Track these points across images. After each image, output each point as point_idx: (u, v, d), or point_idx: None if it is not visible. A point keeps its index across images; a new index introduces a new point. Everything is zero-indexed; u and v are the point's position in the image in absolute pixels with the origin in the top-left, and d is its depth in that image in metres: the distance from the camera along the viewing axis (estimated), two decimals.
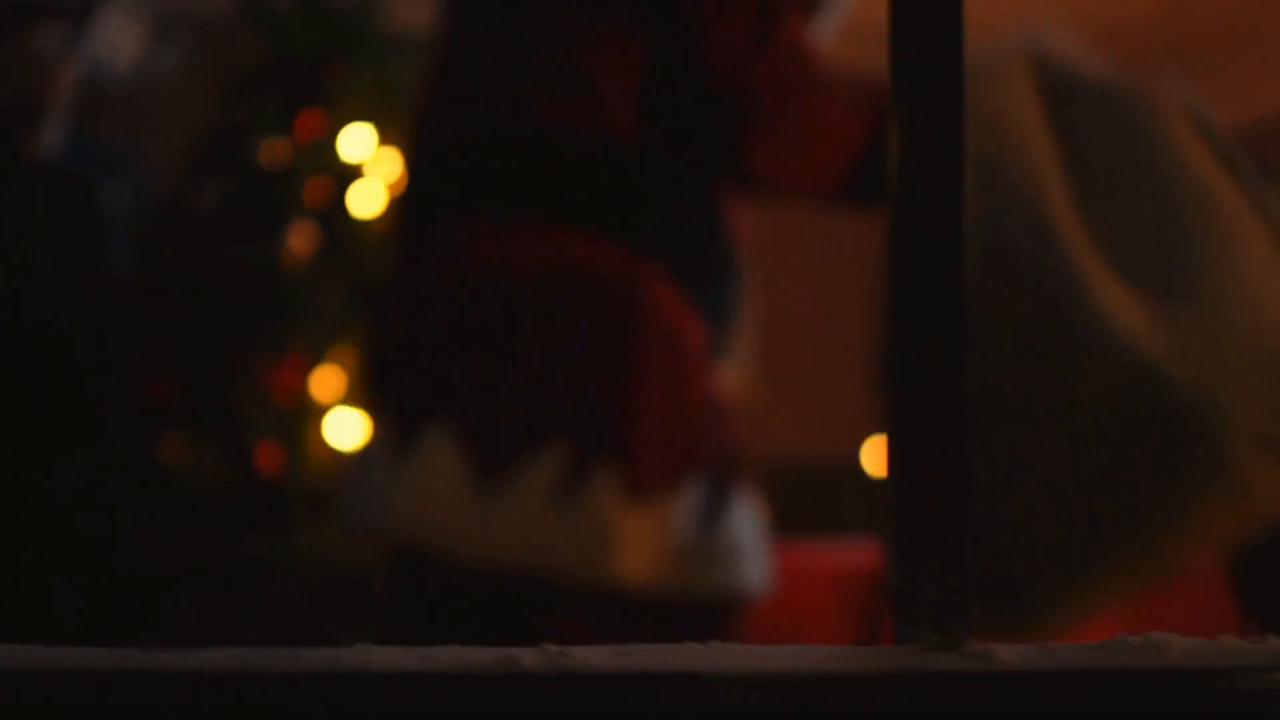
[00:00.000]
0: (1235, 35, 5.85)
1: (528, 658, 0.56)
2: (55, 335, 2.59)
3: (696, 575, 1.56)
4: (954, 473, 0.60)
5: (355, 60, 3.27)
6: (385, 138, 3.26)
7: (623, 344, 1.55)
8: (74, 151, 2.88)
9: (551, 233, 1.59)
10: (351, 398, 3.07)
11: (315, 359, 3.08)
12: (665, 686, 0.56)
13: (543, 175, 1.62)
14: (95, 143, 3.62)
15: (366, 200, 3.22)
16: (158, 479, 3.01)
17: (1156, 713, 0.57)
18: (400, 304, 1.71)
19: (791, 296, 5.71)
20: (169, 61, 4.11)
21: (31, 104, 2.59)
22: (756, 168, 1.67)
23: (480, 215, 1.63)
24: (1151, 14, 5.66)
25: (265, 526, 3.02)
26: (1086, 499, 1.36)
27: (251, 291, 3.10)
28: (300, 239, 3.19)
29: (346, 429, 3.05)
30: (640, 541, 1.51)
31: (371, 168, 3.25)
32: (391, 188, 3.24)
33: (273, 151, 3.22)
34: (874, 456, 4.59)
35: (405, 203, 1.79)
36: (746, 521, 1.62)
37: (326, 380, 3.10)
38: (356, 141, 3.24)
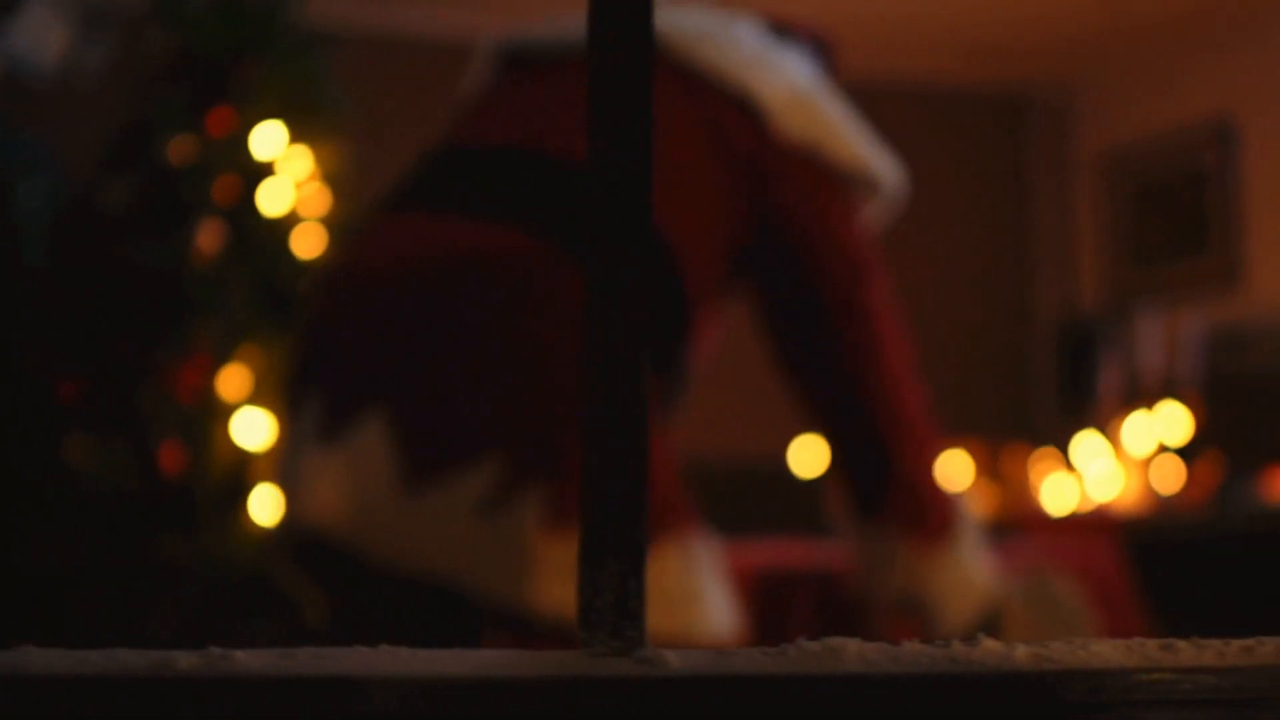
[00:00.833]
0: (1169, 40, 5.88)
1: (184, 660, 0.55)
2: None
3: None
4: (634, 480, 0.60)
5: (267, 56, 3.25)
6: (297, 135, 3.24)
7: (571, 370, 1.51)
8: None
9: (524, 241, 1.58)
10: (258, 397, 3.04)
11: (222, 358, 3.06)
12: (320, 691, 0.55)
13: (553, 200, 1.62)
14: (14, 138, 3.59)
15: (276, 198, 3.20)
16: (62, 479, 2.99)
17: (828, 718, 0.57)
18: (340, 291, 1.69)
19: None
20: (97, 58, 4.08)
21: None
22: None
23: (455, 213, 1.62)
24: (1086, 19, 5.69)
25: (171, 527, 2.99)
26: None
27: (158, 290, 3.08)
28: (208, 237, 3.17)
29: (253, 429, 3.03)
30: (562, 570, 1.47)
31: (282, 165, 3.23)
32: (301, 185, 3.22)
33: (182, 148, 3.19)
34: (801, 456, 4.60)
35: (375, 207, 1.79)
36: (684, 566, 1.56)
37: (233, 380, 3.07)
38: (268, 139, 3.22)
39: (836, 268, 1.70)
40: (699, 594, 1.56)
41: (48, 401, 2.99)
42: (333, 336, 1.64)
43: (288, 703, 0.55)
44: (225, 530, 3.00)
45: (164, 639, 2.80)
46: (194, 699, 0.55)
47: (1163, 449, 4.50)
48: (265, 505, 2.97)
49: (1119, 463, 4.56)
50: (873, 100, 6.29)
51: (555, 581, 1.47)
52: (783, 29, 1.80)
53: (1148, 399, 4.76)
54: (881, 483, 1.73)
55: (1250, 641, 0.59)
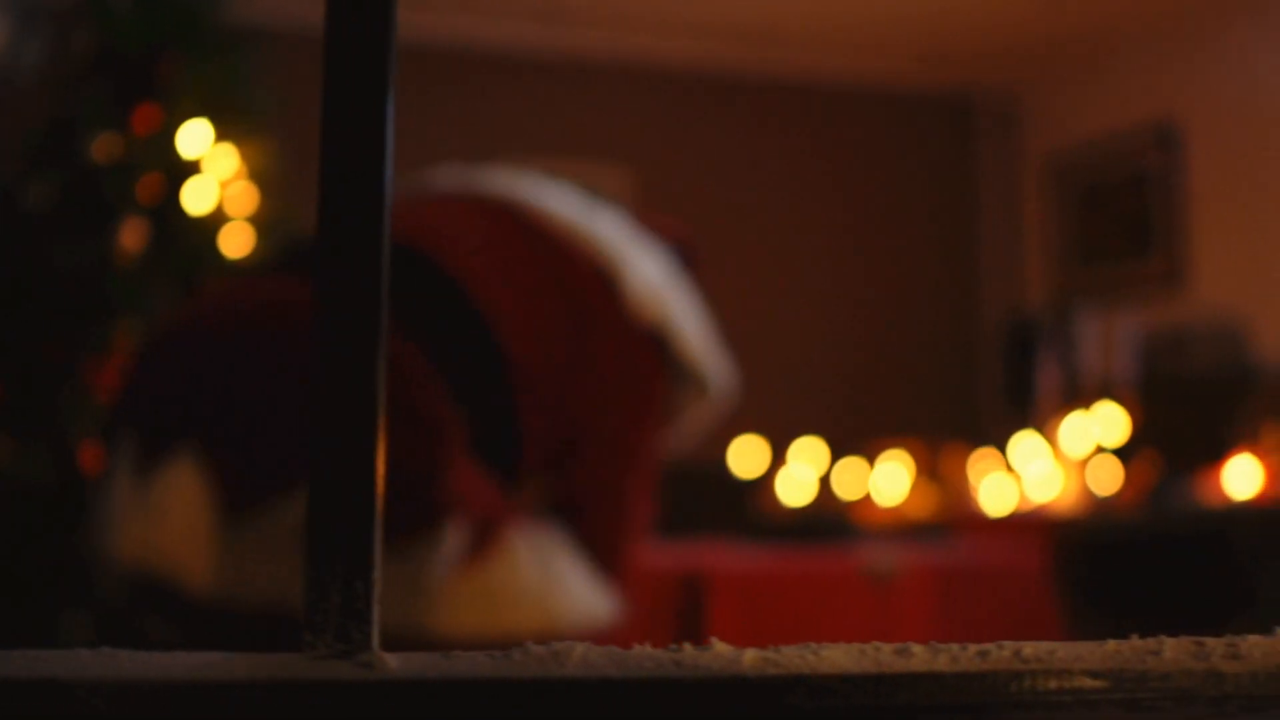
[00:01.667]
0: (1113, 45, 5.91)
1: None
2: None
3: (455, 619, 1.54)
4: (363, 478, 0.59)
5: (192, 54, 3.22)
6: (222, 133, 3.22)
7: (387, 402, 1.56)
8: None
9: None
10: None
11: None
12: (27, 694, 0.54)
13: (408, 287, 1.68)
14: None
15: (200, 196, 3.17)
16: None
17: None
18: (158, 340, 1.73)
19: None
20: (34, 54, 4.04)
21: None
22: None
23: (281, 273, 1.68)
24: (1033, 24, 5.70)
25: (90, 527, 2.96)
26: None
27: (80, 288, 3.05)
28: (132, 235, 3.14)
29: None
30: (396, 589, 1.49)
31: (208, 163, 3.21)
32: (226, 184, 3.20)
33: (106, 146, 3.17)
34: (740, 458, 4.60)
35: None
36: (532, 566, 1.60)
37: None
38: (193, 137, 3.20)
39: (634, 413, 1.82)
40: (548, 587, 1.59)
41: None
42: (147, 380, 1.68)
43: None
44: None
45: (80, 638, 2.78)
46: None
47: (1100, 450, 4.52)
48: None
49: (1057, 463, 4.57)
50: (823, 101, 6.35)
51: (399, 594, 1.49)
52: (647, 225, 1.94)
53: (1085, 400, 4.78)
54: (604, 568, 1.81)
55: (990, 646, 0.59)
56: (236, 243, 3.26)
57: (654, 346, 1.83)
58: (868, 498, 4.68)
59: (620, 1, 5.57)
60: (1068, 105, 6.25)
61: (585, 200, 1.90)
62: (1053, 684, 0.57)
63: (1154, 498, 4.30)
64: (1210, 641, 0.61)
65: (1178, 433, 4.59)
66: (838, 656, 0.58)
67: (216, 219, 3.21)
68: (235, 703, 0.55)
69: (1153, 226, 5.78)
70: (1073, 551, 3.73)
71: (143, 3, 3.21)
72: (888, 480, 4.73)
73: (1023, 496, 4.54)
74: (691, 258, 2.03)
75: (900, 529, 4.25)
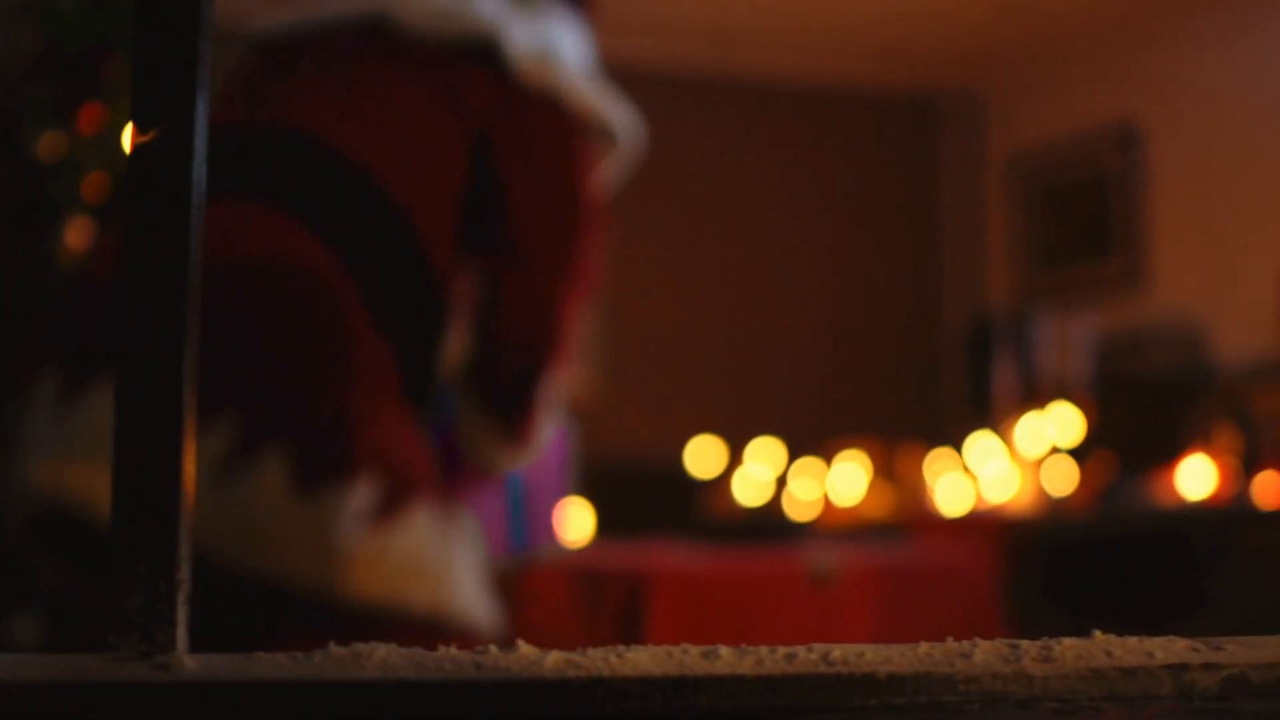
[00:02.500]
0: (1074, 47, 5.93)
1: None
2: None
3: (361, 581, 1.50)
4: (168, 480, 0.58)
5: None
6: None
7: (313, 336, 1.52)
8: None
9: (272, 221, 1.57)
10: None
11: None
12: None
13: (301, 175, 1.62)
14: None
15: None
16: None
17: None
18: (84, 271, 1.67)
19: (633, 311, 5.70)
20: None
21: None
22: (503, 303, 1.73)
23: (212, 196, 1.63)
24: (995, 26, 5.72)
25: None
26: None
27: (23, 289, 3.03)
28: (77, 235, 3.12)
29: None
30: (301, 535, 1.46)
31: None
32: None
33: (51, 145, 3.14)
34: (696, 458, 4.59)
35: None
36: (434, 544, 1.56)
37: None
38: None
39: (554, 200, 1.74)
40: (444, 569, 1.56)
41: None
42: (70, 315, 1.64)
43: None
44: None
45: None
46: None
47: (1055, 450, 4.53)
48: None
49: (1013, 463, 4.58)
50: (785, 102, 6.35)
51: (298, 545, 1.45)
52: None
53: (1041, 400, 4.79)
54: (514, 413, 1.76)
55: (799, 649, 0.58)
56: None
57: (551, 107, 1.74)
58: (825, 498, 4.68)
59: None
60: (1029, 106, 6.27)
61: None
62: (858, 688, 0.57)
63: (1107, 498, 4.31)
64: (1025, 644, 0.61)
65: (1133, 433, 4.61)
66: (641, 659, 0.58)
67: None
68: (32, 704, 0.54)
69: (1113, 227, 5.80)
70: (1025, 552, 3.74)
71: (88, 1, 3.19)
72: (844, 480, 4.73)
73: (979, 497, 4.55)
74: (586, 10, 1.98)
75: (855, 529, 4.26)
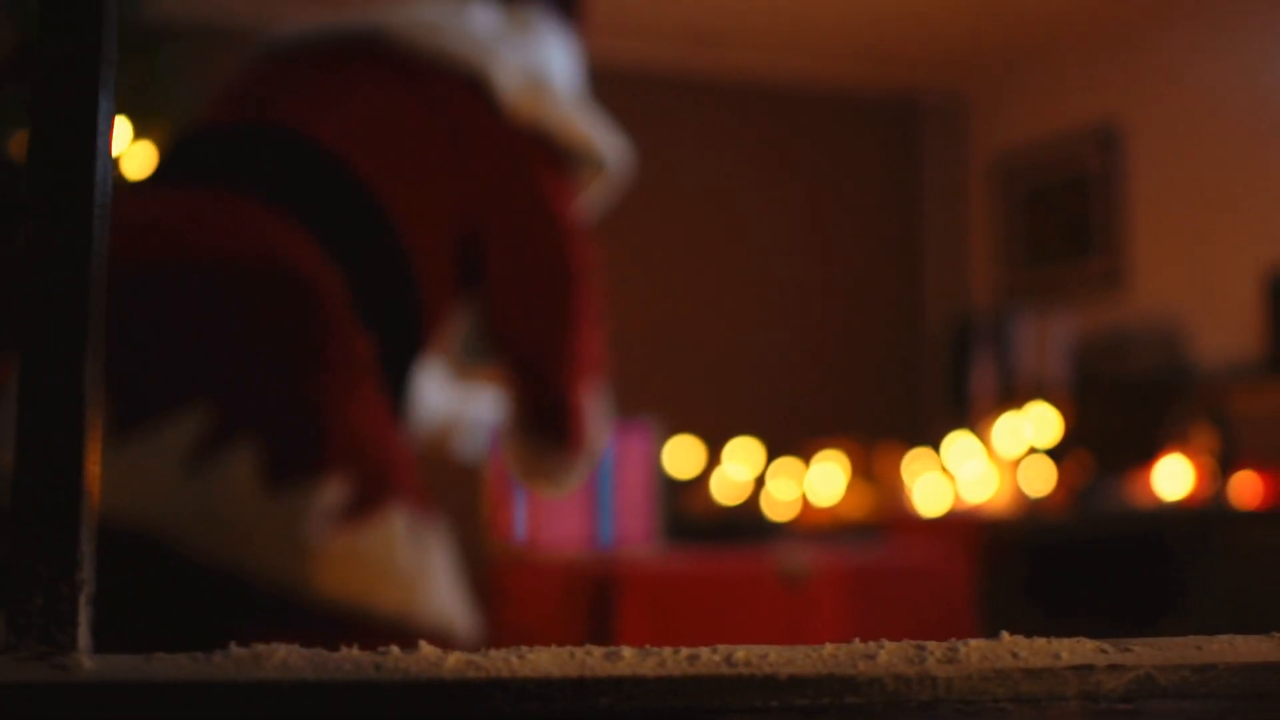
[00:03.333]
0: (1056, 47, 5.94)
1: None
2: None
3: (328, 579, 1.50)
4: (68, 480, 0.58)
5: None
6: (140, 130, 3.19)
7: (282, 323, 1.51)
8: None
9: (256, 213, 1.58)
10: None
11: None
12: None
13: (292, 174, 1.63)
14: None
15: None
16: None
17: None
18: None
19: (612, 309, 5.70)
20: None
21: None
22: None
23: (202, 190, 1.62)
24: (977, 26, 5.73)
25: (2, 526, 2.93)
26: None
27: None
28: None
29: None
30: (269, 529, 1.45)
31: (126, 161, 3.18)
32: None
33: (23, 144, 3.14)
34: (674, 457, 4.59)
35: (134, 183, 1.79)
36: (407, 547, 1.54)
37: None
38: (116, 135, 3.17)
39: (545, 232, 1.76)
40: (417, 574, 1.55)
41: None
42: None
43: None
44: None
45: None
46: None
47: (1032, 450, 4.54)
48: None
49: (991, 464, 4.59)
50: (768, 102, 6.35)
51: (266, 539, 1.44)
52: None
53: (1020, 400, 4.80)
54: (546, 411, 1.83)
55: (703, 650, 0.58)
56: None
57: (538, 142, 1.77)
58: (803, 498, 4.68)
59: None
60: (1011, 107, 6.28)
61: (455, 7, 1.83)
62: (759, 689, 0.56)
63: (1084, 498, 4.32)
64: (931, 644, 0.61)
65: (1110, 433, 4.62)
66: (543, 660, 0.57)
67: None
68: None
69: (1093, 228, 5.81)
70: (1002, 552, 3.74)
71: None
72: (823, 480, 4.73)
73: (957, 497, 4.56)
74: (574, 6, 2.00)
75: (833, 529, 4.26)
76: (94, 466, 0.59)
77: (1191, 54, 5.41)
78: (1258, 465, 4.26)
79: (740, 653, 0.57)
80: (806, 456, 4.89)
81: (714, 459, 4.76)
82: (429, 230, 1.67)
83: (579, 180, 1.85)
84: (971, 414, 5.07)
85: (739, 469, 4.73)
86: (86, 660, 0.56)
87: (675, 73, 6.13)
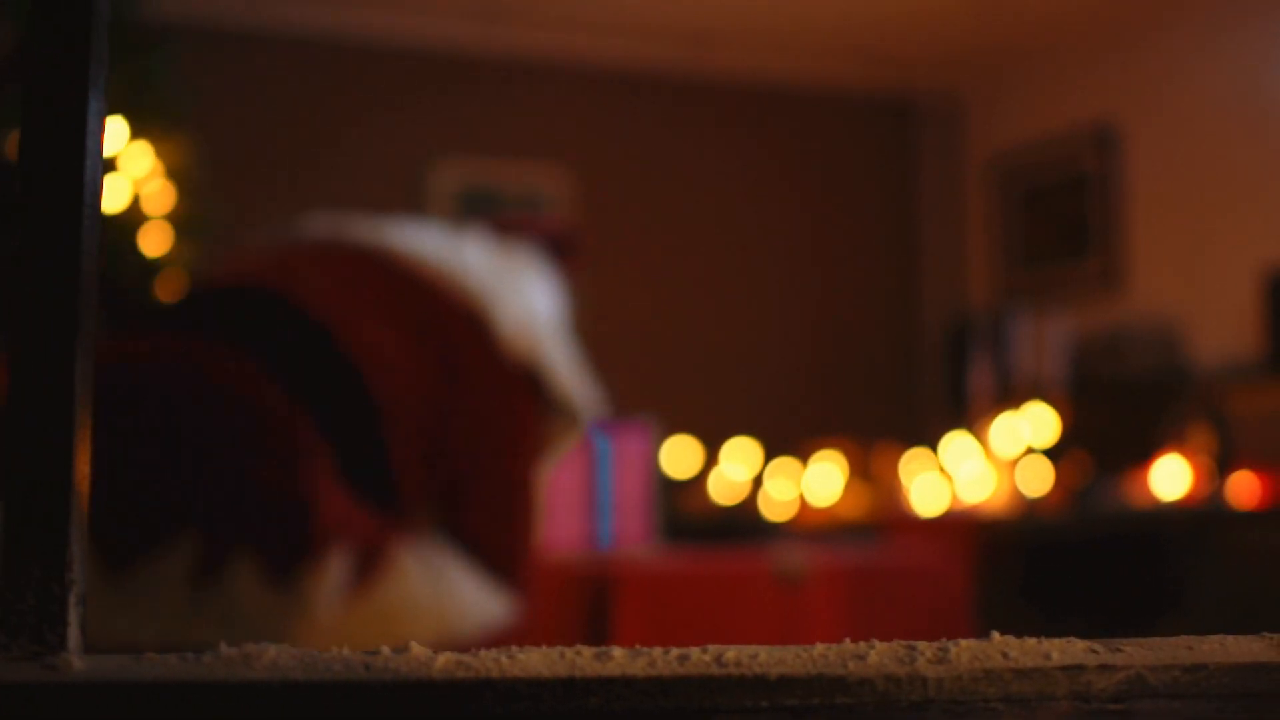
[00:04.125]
0: (1053, 47, 5.94)
1: None
2: None
3: (361, 641, 1.56)
4: (59, 481, 0.58)
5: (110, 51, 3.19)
6: (137, 131, 3.19)
7: (243, 439, 1.60)
8: None
9: (212, 349, 1.67)
10: None
11: None
12: None
13: (273, 330, 1.73)
14: None
15: (113, 195, 3.15)
16: None
17: None
18: None
19: (610, 310, 5.71)
20: None
21: None
22: None
23: (174, 330, 1.72)
24: (974, 26, 5.73)
25: None
26: None
27: None
28: None
29: None
30: (284, 622, 1.52)
31: (123, 162, 3.18)
32: (139, 182, 3.18)
33: (18, 144, 3.13)
34: (672, 457, 4.59)
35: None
36: (422, 579, 1.62)
37: None
38: (108, 135, 3.17)
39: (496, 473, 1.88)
40: (441, 598, 1.61)
41: None
42: None
43: None
44: None
45: None
46: None
47: (1030, 450, 4.54)
48: None
49: (988, 464, 4.59)
50: (764, 103, 6.35)
51: (283, 630, 1.52)
52: (513, 228, 2.01)
53: (1017, 400, 4.80)
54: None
55: (694, 650, 0.58)
56: (155, 242, 3.23)
57: (526, 385, 1.88)
58: (800, 498, 4.68)
59: (559, 2, 5.56)
60: (1008, 108, 6.28)
61: (451, 236, 1.94)
62: (749, 689, 0.56)
63: (1081, 498, 4.32)
64: (922, 645, 0.61)
65: (1108, 433, 4.62)
66: (533, 660, 0.58)
67: (134, 218, 3.19)
68: None
69: (1090, 228, 5.81)
70: (1000, 552, 3.74)
71: None
72: (820, 481, 4.74)
73: (954, 497, 4.56)
74: (566, 247, 2.08)
75: (831, 529, 4.26)
76: (84, 467, 0.59)
77: (1189, 54, 5.41)
78: (1255, 465, 4.26)
79: (730, 653, 0.57)
80: (804, 457, 4.89)
81: (712, 459, 4.76)
82: (410, 425, 1.75)
83: (553, 427, 1.95)
84: (969, 414, 5.07)
85: (737, 469, 4.73)
86: (77, 660, 0.56)
87: (673, 73, 6.13)
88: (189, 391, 1.62)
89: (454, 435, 1.79)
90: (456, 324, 1.82)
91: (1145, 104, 5.60)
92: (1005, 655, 0.60)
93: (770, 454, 4.88)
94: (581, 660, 0.57)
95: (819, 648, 0.59)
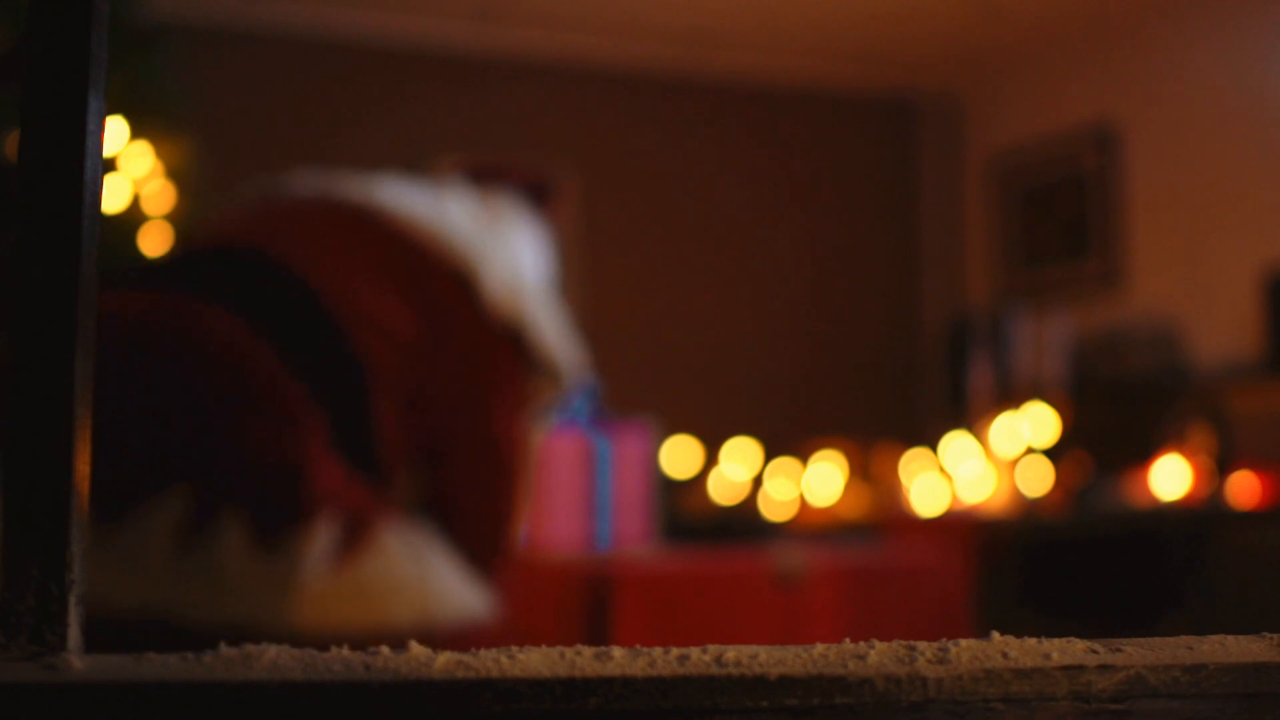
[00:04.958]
0: (1053, 47, 5.94)
1: None
2: None
3: (339, 614, 1.55)
4: (59, 481, 0.58)
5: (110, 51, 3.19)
6: (137, 130, 3.19)
7: (237, 400, 1.59)
8: None
9: (208, 310, 1.66)
10: None
11: None
12: None
13: (265, 290, 1.72)
14: None
15: (112, 194, 3.15)
16: None
17: None
18: None
19: (609, 310, 5.71)
20: None
21: None
22: None
23: (182, 295, 1.71)
24: (974, 26, 5.73)
25: None
26: None
27: None
28: None
29: None
30: (268, 586, 1.51)
31: (123, 162, 3.18)
32: (139, 182, 3.18)
33: (18, 144, 3.13)
34: (672, 457, 4.59)
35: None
36: (407, 560, 1.60)
37: None
38: (107, 135, 3.17)
39: (483, 429, 1.85)
40: (422, 582, 1.60)
41: None
42: None
43: None
44: None
45: None
46: None
47: (1030, 450, 4.54)
48: None
49: (988, 464, 4.59)
50: (764, 103, 6.35)
51: (267, 594, 1.50)
52: (490, 175, 2.00)
53: (1017, 400, 4.80)
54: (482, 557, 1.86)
55: (694, 650, 0.58)
56: (156, 241, 3.23)
57: (511, 344, 1.87)
58: (800, 498, 4.68)
59: (559, 2, 5.56)
60: (1008, 107, 6.28)
61: (433, 192, 1.92)
62: (750, 689, 0.56)
63: (1081, 498, 4.32)
64: (922, 645, 0.61)
65: (1108, 434, 4.62)
66: (533, 660, 0.58)
67: (134, 218, 3.19)
68: None
69: (1090, 228, 5.81)
70: (1000, 552, 3.74)
71: None
72: (820, 481, 4.74)
73: (954, 497, 4.56)
74: (543, 192, 2.10)
75: (831, 529, 4.26)
76: (84, 467, 0.59)
77: (1188, 54, 5.41)
78: (1255, 465, 4.26)
79: (730, 653, 0.57)
80: (804, 457, 4.89)
81: (712, 459, 4.76)
82: (395, 386, 1.74)
83: (537, 385, 1.95)
84: (969, 414, 5.07)
85: (737, 469, 4.73)
86: (77, 660, 0.56)
87: (672, 73, 6.13)
88: (182, 350, 1.62)
89: (438, 396, 1.78)
90: (443, 283, 1.82)
91: (1145, 104, 5.60)
92: (1005, 655, 0.60)
93: (770, 454, 4.89)
94: (581, 660, 0.57)
95: (819, 648, 0.59)
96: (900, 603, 2.79)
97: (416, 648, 0.57)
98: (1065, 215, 5.93)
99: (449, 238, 1.83)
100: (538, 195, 2.13)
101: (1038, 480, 4.46)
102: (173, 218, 3.27)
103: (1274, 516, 4.09)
